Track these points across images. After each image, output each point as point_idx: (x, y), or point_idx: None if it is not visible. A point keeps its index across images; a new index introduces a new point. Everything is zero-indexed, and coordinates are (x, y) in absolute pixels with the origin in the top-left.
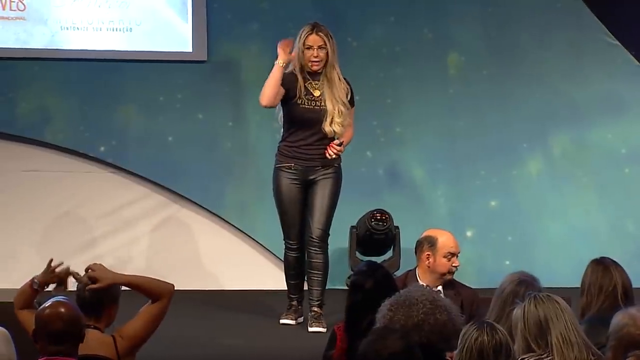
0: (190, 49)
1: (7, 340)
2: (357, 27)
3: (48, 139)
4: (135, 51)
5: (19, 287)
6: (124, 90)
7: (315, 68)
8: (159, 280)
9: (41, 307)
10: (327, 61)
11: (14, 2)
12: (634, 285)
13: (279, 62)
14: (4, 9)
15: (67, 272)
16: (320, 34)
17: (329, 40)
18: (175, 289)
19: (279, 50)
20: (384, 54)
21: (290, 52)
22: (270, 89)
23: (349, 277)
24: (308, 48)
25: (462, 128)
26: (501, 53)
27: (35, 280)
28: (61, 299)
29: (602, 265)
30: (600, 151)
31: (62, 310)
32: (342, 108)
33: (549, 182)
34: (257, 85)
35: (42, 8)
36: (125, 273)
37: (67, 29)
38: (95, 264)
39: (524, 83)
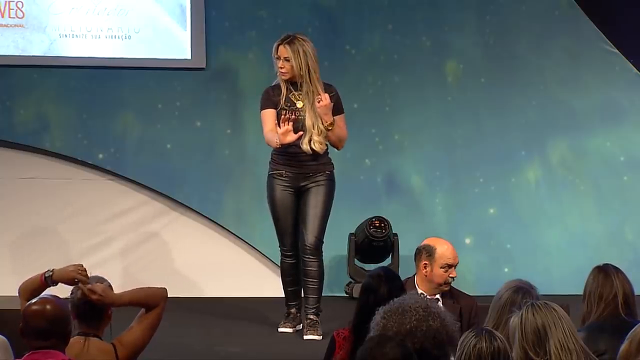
0: (188, 57)
1: (5, 347)
2: (355, 35)
3: (46, 146)
4: (133, 58)
5: (16, 294)
6: (122, 98)
7: (282, 77)
8: (152, 288)
9: (28, 303)
10: (304, 72)
11: (12, 9)
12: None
13: (278, 143)
14: (2, 16)
15: (84, 281)
16: (286, 46)
17: (295, 54)
18: (173, 296)
19: (281, 138)
20: (382, 61)
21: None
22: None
23: (347, 285)
24: (277, 58)
25: (460, 136)
26: (499, 61)
27: (50, 273)
28: (49, 297)
29: (604, 273)
30: (598, 159)
31: (48, 307)
32: (321, 126)
33: (547, 189)
34: (255, 92)
35: (41, 15)
36: (122, 280)
37: (66, 36)
38: (97, 285)
39: (522, 91)
